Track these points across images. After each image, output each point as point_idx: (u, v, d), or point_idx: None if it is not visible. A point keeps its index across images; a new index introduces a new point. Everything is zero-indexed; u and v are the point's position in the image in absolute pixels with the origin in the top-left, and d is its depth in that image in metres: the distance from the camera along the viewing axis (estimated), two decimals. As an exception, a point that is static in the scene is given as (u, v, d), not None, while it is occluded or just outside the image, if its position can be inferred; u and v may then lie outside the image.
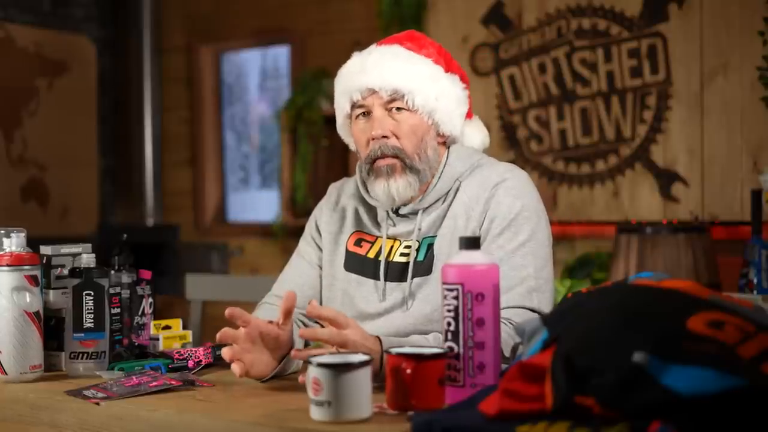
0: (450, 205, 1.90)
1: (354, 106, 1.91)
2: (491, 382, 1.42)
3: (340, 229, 2.01)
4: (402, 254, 1.91)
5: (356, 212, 2.01)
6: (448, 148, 1.96)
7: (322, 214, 2.06)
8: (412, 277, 1.87)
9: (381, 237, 1.94)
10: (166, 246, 5.49)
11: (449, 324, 1.43)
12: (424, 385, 1.37)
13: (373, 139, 1.88)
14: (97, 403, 1.54)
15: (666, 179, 4.03)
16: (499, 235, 1.83)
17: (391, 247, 1.93)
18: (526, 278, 1.80)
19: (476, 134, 2.02)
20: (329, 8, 5.05)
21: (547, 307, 1.81)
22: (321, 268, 2.03)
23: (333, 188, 2.10)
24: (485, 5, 4.47)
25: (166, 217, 5.70)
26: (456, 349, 1.43)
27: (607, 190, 4.18)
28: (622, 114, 4.13)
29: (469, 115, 2.01)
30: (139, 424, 1.49)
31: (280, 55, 5.54)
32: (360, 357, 1.39)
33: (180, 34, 5.66)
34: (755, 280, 3.28)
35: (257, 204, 5.62)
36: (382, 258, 1.91)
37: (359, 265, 1.94)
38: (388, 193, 1.88)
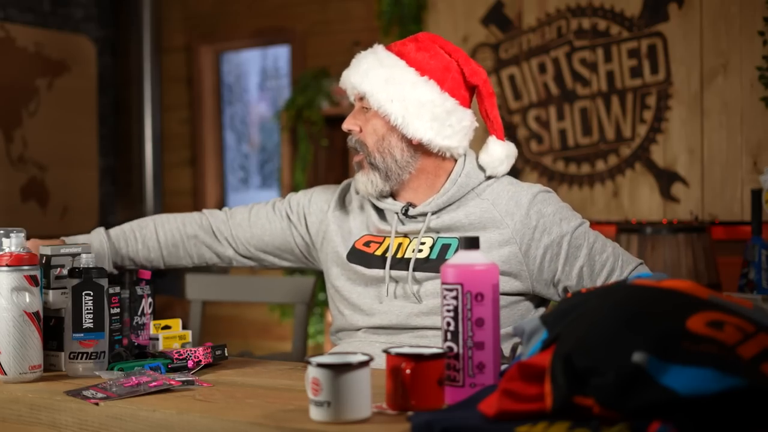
0: (470, 215, 1.94)
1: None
2: (491, 382, 1.42)
3: (351, 227, 2.06)
4: (413, 250, 1.95)
5: (366, 213, 2.05)
6: (464, 156, 1.99)
7: (329, 204, 2.11)
8: (415, 269, 1.92)
9: (389, 237, 1.98)
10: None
11: (449, 324, 1.43)
12: (424, 385, 1.37)
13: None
14: (97, 404, 1.54)
15: (666, 179, 4.03)
16: (579, 248, 1.92)
17: (399, 244, 1.97)
18: (605, 246, 1.93)
19: (488, 157, 2.00)
20: (329, 8, 5.04)
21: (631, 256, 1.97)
22: (293, 234, 2.14)
23: (349, 184, 2.15)
24: (485, 5, 4.47)
25: (166, 217, 5.69)
26: (455, 349, 1.43)
27: (607, 190, 4.18)
28: (622, 114, 4.13)
29: (491, 133, 2.01)
30: (138, 425, 1.49)
31: (280, 55, 5.54)
32: (360, 357, 1.38)
33: (180, 34, 5.66)
34: (755, 280, 3.28)
35: (257, 204, 5.62)
36: (389, 253, 1.96)
37: (366, 259, 1.99)
38: (357, 188, 2.01)
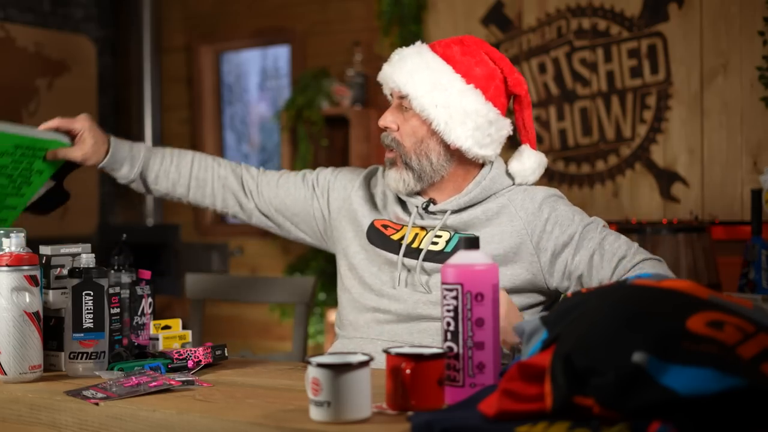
0: (487, 211, 1.97)
1: (391, 93, 2.03)
2: (491, 382, 1.42)
3: (372, 207, 2.09)
4: (431, 242, 1.97)
5: (388, 200, 2.09)
6: (488, 164, 2.01)
7: (356, 184, 2.13)
8: (426, 260, 1.95)
9: (406, 226, 2.02)
10: (166, 246, 5.49)
11: (449, 324, 1.43)
12: (424, 386, 1.37)
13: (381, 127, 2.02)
14: (97, 404, 1.54)
15: (666, 179, 4.03)
16: (589, 238, 1.93)
17: (416, 234, 2.00)
18: (622, 244, 1.92)
19: (519, 165, 2.04)
20: (329, 8, 5.04)
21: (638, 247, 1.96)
22: (315, 207, 2.17)
23: (376, 169, 2.18)
24: (485, 5, 4.47)
25: (166, 217, 5.69)
26: (455, 349, 1.43)
27: (607, 190, 4.18)
28: (622, 114, 4.13)
29: (523, 141, 2.06)
30: (138, 425, 1.49)
31: (280, 55, 5.54)
32: (360, 357, 1.38)
33: (180, 34, 5.66)
34: (755, 280, 3.28)
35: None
36: (405, 241, 1.99)
37: (382, 241, 2.02)
38: (386, 182, 2.01)
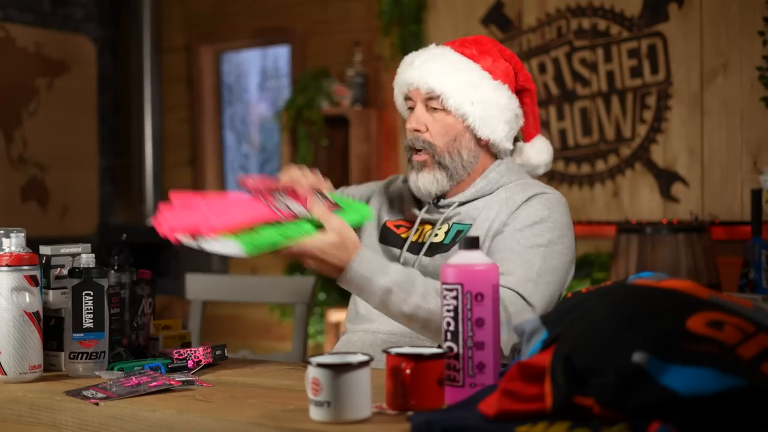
0: (487, 201, 2.00)
1: (406, 97, 2.04)
2: (491, 382, 1.42)
3: (389, 210, 2.13)
4: (430, 236, 2.01)
5: (404, 201, 2.12)
6: (501, 158, 2.05)
7: (375, 193, 2.19)
8: (426, 254, 1.97)
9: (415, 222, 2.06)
10: (166, 246, 5.48)
11: (449, 324, 1.43)
12: (424, 385, 1.37)
13: (408, 131, 2.02)
14: (97, 404, 1.54)
15: (666, 179, 4.03)
16: (520, 231, 1.91)
17: (422, 229, 2.03)
18: (528, 271, 1.85)
19: (536, 155, 2.11)
20: (329, 8, 5.04)
21: (539, 302, 1.82)
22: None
23: (396, 178, 2.22)
24: (485, 5, 4.47)
25: (166, 217, 5.68)
26: (455, 349, 1.43)
27: (607, 190, 4.18)
28: (622, 114, 4.13)
29: (534, 133, 2.11)
30: (138, 425, 1.49)
31: (280, 55, 5.54)
32: (359, 357, 1.38)
33: (180, 34, 5.66)
34: (755, 280, 3.28)
35: (257, 204, 5.61)
36: (409, 236, 2.03)
37: (390, 238, 2.07)
38: (416, 186, 2.02)
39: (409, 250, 2.02)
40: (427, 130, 1.99)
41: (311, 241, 1.73)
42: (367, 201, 2.18)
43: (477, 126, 1.98)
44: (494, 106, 1.99)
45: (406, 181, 2.18)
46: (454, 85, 1.96)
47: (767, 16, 3.73)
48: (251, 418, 1.41)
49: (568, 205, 2.01)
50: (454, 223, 2.00)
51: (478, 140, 2.01)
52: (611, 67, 4.15)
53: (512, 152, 2.11)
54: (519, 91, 2.07)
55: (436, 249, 1.98)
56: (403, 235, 2.06)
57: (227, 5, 5.45)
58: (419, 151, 2.00)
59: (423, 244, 2.01)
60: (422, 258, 1.98)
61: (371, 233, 2.12)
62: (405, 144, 2.05)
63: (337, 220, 1.77)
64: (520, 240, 1.89)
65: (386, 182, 2.22)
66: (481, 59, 2.02)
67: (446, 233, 1.99)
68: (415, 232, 2.04)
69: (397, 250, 2.03)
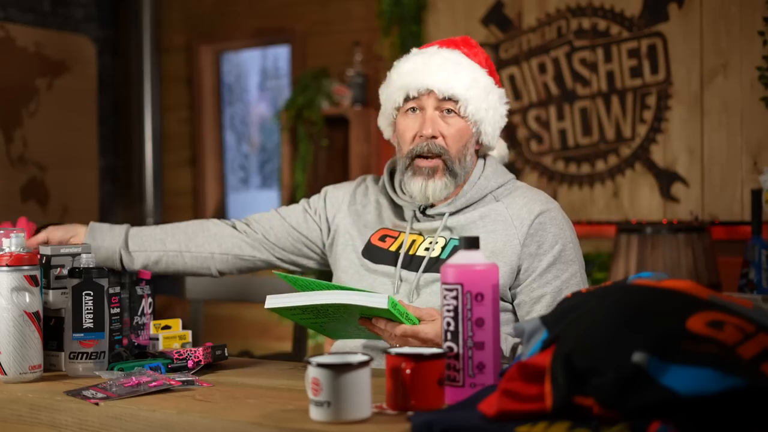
0: (484, 216, 1.96)
1: (407, 100, 1.97)
2: (491, 382, 1.42)
3: (367, 221, 2.06)
4: (425, 249, 1.96)
5: (383, 208, 2.06)
6: (483, 158, 2.04)
7: (342, 199, 2.11)
8: (424, 270, 1.93)
9: (404, 232, 2.00)
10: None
11: (449, 324, 1.43)
12: (424, 385, 1.37)
13: (421, 136, 1.95)
14: (97, 404, 1.54)
15: (666, 179, 4.03)
16: (542, 276, 1.91)
17: (413, 241, 1.98)
18: (554, 302, 1.89)
19: (503, 148, 2.15)
20: (329, 8, 5.04)
21: None
22: (304, 237, 2.15)
23: (364, 179, 2.15)
24: (485, 5, 4.47)
25: (166, 217, 5.69)
26: (455, 349, 1.43)
27: (607, 190, 4.18)
28: (622, 114, 4.13)
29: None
30: (138, 425, 1.49)
31: (280, 55, 5.54)
32: (359, 357, 1.39)
33: (180, 34, 5.66)
34: (755, 280, 3.28)
35: (257, 204, 5.61)
36: (402, 250, 1.97)
37: (379, 255, 2.00)
38: (423, 193, 1.95)
39: (404, 266, 1.96)
40: (441, 135, 1.94)
41: (431, 328, 1.68)
42: (338, 210, 2.10)
43: (485, 132, 1.97)
44: (498, 113, 2.00)
45: (376, 182, 2.12)
46: (473, 92, 1.94)
47: (767, 16, 3.72)
48: (251, 418, 1.41)
49: (568, 205, 2.02)
50: (451, 238, 1.95)
51: (478, 145, 2.01)
52: (611, 67, 4.15)
53: None
54: None
55: (433, 264, 1.93)
56: (392, 248, 1.99)
57: (227, 5, 5.45)
58: (429, 157, 1.94)
59: (415, 256, 1.96)
60: (424, 276, 1.93)
61: (347, 243, 2.04)
62: (412, 149, 1.96)
63: (428, 309, 1.74)
64: (545, 287, 1.90)
65: (355, 186, 2.14)
66: (483, 63, 2.02)
67: (443, 248, 1.95)
68: (406, 244, 1.98)
69: (390, 268, 1.97)
